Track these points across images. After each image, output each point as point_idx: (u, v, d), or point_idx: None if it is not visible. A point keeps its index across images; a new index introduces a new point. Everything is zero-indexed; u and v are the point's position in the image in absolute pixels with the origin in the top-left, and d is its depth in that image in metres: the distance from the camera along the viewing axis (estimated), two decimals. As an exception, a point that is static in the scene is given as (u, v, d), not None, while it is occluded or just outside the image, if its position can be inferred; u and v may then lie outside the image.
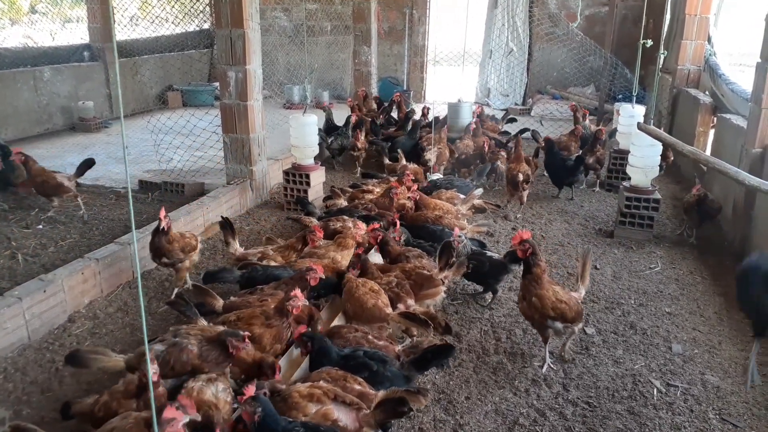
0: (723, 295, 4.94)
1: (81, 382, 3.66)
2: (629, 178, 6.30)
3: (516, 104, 13.78)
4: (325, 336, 3.43)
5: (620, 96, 11.37)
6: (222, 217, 4.96)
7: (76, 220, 6.28)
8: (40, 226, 6.10)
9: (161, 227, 4.48)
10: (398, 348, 3.41)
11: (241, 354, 3.05)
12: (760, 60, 5.50)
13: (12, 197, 6.77)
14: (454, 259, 4.07)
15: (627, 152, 7.38)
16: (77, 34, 12.95)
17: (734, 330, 4.43)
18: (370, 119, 9.14)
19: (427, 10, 14.44)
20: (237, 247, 4.69)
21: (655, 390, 3.71)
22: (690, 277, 5.27)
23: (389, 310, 3.70)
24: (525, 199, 6.67)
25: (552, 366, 3.89)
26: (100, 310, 4.53)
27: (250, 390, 2.50)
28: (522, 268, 3.91)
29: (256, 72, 6.54)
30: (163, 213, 4.51)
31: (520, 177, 6.45)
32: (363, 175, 7.20)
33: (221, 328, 3.23)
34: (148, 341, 3.33)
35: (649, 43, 7.47)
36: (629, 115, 7.45)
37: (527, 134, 8.37)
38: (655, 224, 6.07)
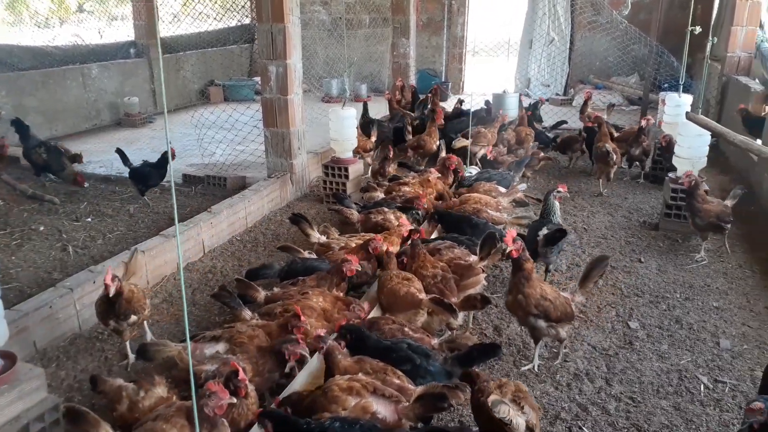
0: (775, 290, 4.77)
1: (132, 369, 3.78)
2: (675, 169, 6.13)
3: (557, 94, 13.54)
4: (364, 327, 3.46)
5: (666, 85, 11.04)
6: (293, 213, 5.04)
7: (122, 213, 6.47)
8: (89, 219, 6.30)
9: (108, 294, 3.50)
10: (434, 341, 3.41)
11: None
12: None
13: (63, 192, 7.01)
14: (495, 249, 4.04)
15: (673, 143, 7.22)
16: (123, 31, 13.26)
17: (787, 326, 4.28)
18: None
19: (467, 1, 14.28)
20: (319, 236, 4.78)
21: (702, 386, 3.62)
22: (739, 271, 5.11)
23: (422, 295, 3.72)
24: (612, 175, 7.10)
25: (534, 370, 3.76)
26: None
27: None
28: (511, 264, 3.80)
29: (296, 66, 6.60)
30: (109, 277, 3.48)
31: (608, 148, 6.87)
32: (399, 164, 7.19)
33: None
34: (200, 333, 3.44)
35: (698, 29, 7.24)
36: (676, 104, 7.24)
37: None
38: (702, 216, 5.88)
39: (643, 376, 3.72)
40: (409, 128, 8.16)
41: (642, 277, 5.00)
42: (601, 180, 7.19)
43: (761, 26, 9.41)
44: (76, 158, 7.34)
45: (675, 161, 6.00)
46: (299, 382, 3.11)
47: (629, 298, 4.68)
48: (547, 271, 4.85)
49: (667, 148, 6.90)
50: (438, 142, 7.45)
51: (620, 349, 4.01)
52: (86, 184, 7.08)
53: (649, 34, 11.51)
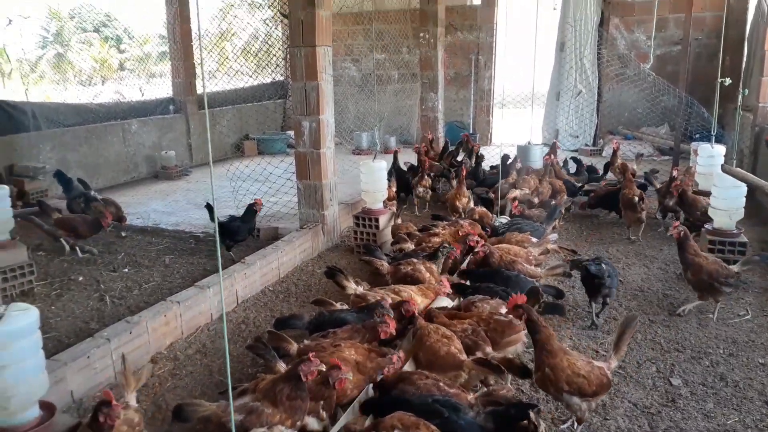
0: (823, 346, 4.59)
1: (164, 421, 3.77)
2: (711, 221, 6.04)
3: (586, 145, 13.57)
4: (395, 381, 3.42)
5: (697, 135, 10.97)
6: (327, 266, 5.08)
7: (158, 264, 6.59)
8: (126, 270, 6.43)
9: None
10: (470, 396, 3.34)
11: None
12: None
13: (101, 242, 7.19)
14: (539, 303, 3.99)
15: (707, 193, 7.13)
16: (163, 89, 13.81)
17: (839, 384, 4.09)
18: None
19: (493, 56, 14.58)
20: (355, 287, 4.80)
21: (751, 448, 3.46)
22: (784, 326, 4.94)
23: (464, 356, 3.64)
24: (644, 218, 7.05)
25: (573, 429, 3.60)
26: (180, 351, 4.69)
27: None
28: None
29: (328, 121, 6.77)
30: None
31: (636, 198, 6.89)
32: (433, 217, 7.24)
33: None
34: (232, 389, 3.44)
35: (728, 81, 7.26)
36: (709, 155, 7.21)
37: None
38: (742, 269, 5.73)
39: (688, 436, 3.57)
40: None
41: (682, 332, 4.86)
42: (631, 228, 7.20)
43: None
44: (120, 219, 7.49)
45: (711, 213, 5.92)
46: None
47: (669, 353, 4.54)
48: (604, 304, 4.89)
49: (681, 199, 6.85)
50: (466, 200, 7.47)
51: (663, 407, 3.87)
52: (108, 227, 7.16)
53: (678, 86, 11.55)
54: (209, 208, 7.00)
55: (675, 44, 13.01)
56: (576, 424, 3.56)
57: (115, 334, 4.27)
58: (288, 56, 6.96)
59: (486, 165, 9.94)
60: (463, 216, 7.03)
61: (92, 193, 7.89)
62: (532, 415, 2.99)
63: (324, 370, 3.13)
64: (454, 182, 7.83)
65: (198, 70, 12.81)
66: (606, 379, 3.48)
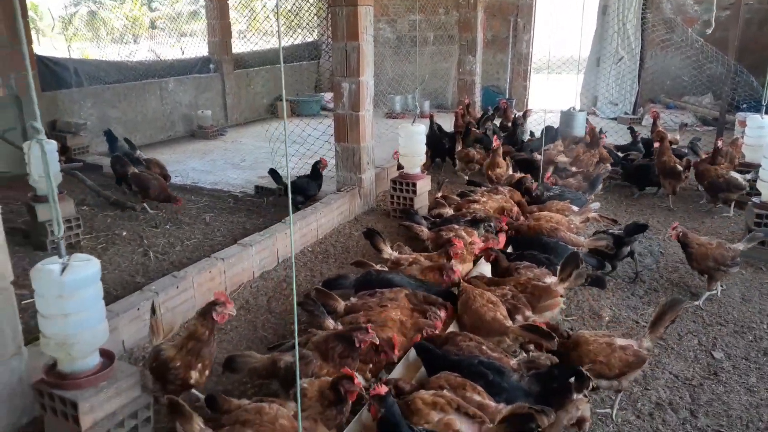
0: None
1: (213, 373, 3.89)
2: (758, 193, 5.89)
3: (626, 113, 13.25)
4: (441, 342, 3.47)
5: (744, 105, 10.61)
6: (367, 228, 5.13)
7: (199, 222, 6.70)
8: (168, 226, 6.56)
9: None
10: (513, 361, 3.37)
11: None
12: None
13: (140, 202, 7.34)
14: (578, 271, 3.97)
15: (755, 165, 6.94)
16: (197, 47, 13.81)
17: None
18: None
19: (532, 18, 14.20)
20: (391, 252, 4.85)
21: (795, 423, 3.44)
22: (832, 303, 4.84)
23: (509, 322, 3.67)
24: (677, 188, 7.13)
25: (613, 419, 3.49)
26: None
27: (381, 389, 2.58)
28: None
29: (368, 83, 6.72)
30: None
31: (678, 166, 6.91)
32: (469, 182, 7.19)
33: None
34: (278, 346, 3.54)
35: (784, 49, 6.98)
36: (758, 125, 6.98)
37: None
38: (788, 244, 5.62)
39: (731, 409, 3.56)
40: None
41: (725, 306, 4.81)
42: (670, 196, 7.19)
43: None
44: (165, 177, 7.51)
45: (760, 185, 5.76)
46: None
47: (712, 326, 4.50)
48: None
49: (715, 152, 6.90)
50: (502, 169, 7.26)
51: (704, 379, 3.86)
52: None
53: (726, 53, 11.14)
54: (273, 172, 7.18)
55: (724, 9, 12.48)
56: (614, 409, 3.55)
57: (163, 287, 4.39)
58: (330, 16, 6.82)
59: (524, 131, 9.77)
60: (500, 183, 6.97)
61: (138, 153, 7.99)
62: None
63: (377, 343, 3.18)
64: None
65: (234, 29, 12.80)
66: (631, 359, 3.39)
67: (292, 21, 15.38)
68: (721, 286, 5.08)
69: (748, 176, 6.71)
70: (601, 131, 8.27)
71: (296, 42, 15.65)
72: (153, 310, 3.54)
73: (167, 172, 7.78)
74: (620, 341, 3.49)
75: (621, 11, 13.18)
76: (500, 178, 7.05)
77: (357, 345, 3.09)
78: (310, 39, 16.18)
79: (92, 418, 2.82)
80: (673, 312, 3.53)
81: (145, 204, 6.94)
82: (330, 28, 6.86)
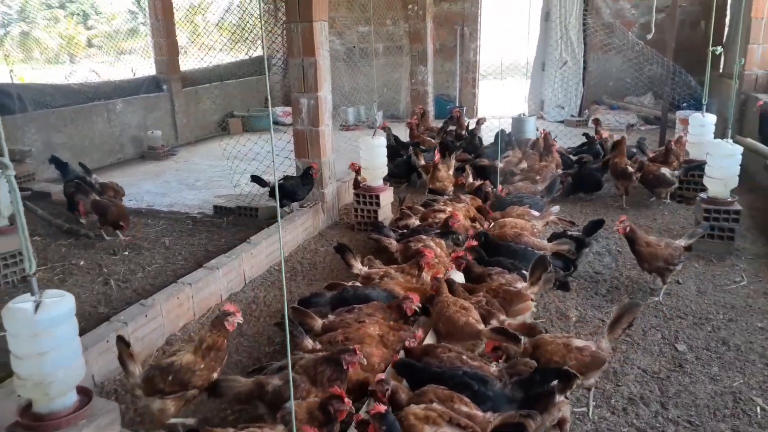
0: (817, 309, 4.78)
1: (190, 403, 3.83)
2: (705, 189, 6.19)
3: (572, 116, 13.67)
4: (420, 354, 3.51)
5: (684, 104, 11.11)
6: (338, 242, 5.13)
7: (158, 246, 6.56)
8: (126, 253, 6.40)
9: None
10: (493, 368, 3.44)
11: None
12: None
13: (97, 226, 7.12)
14: (546, 275, 4.09)
15: (699, 162, 7.28)
16: (144, 66, 13.52)
17: (834, 345, 4.29)
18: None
19: (478, 26, 14.53)
20: (361, 267, 4.86)
21: (758, 408, 3.62)
22: (779, 291, 5.13)
23: (481, 326, 3.75)
24: (629, 188, 7.42)
25: (589, 417, 3.60)
26: (193, 332, 4.72)
27: (380, 407, 2.61)
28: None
29: (326, 98, 6.75)
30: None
31: (629, 168, 7.20)
32: (430, 191, 7.28)
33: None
34: (258, 370, 3.52)
35: (719, 50, 7.35)
36: (700, 124, 7.32)
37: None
38: (735, 236, 5.91)
39: (698, 399, 3.73)
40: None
41: (683, 299, 5.03)
42: (623, 196, 7.47)
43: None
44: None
45: (706, 181, 6.05)
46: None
47: (672, 320, 4.70)
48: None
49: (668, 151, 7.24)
50: (441, 183, 7.27)
51: (671, 372, 4.02)
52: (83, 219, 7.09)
53: (664, 54, 11.64)
54: (256, 178, 7.07)
55: (659, 12, 13.04)
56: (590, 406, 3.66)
57: (132, 317, 4.29)
58: (285, 32, 6.83)
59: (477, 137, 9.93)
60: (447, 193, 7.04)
61: (93, 177, 7.73)
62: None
63: (365, 363, 3.20)
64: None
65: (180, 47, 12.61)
66: (588, 359, 3.46)
67: (238, 35, 15.27)
68: (679, 281, 5.32)
69: (677, 172, 7.20)
70: (550, 135, 8.49)
71: (244, 57, 15.56)
72: (126, 342, 3.44)
73: (123, 195, 7.59)
74: (578, 342, 3.57)
75: (563, 17, 13.63)
76: (443, 190, 7.14)
77: (345, 367, 3.10)
78: (257, 53, 16.12)
79: (73, 458, 2.73)
80: (630, 315, 3.63)
81: (102, 231, 6.76)
82: (285, 44, 6.86)
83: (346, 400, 2.84)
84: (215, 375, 3.40)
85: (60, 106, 10.15)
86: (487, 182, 6.84)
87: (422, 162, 7.91)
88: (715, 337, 4.43)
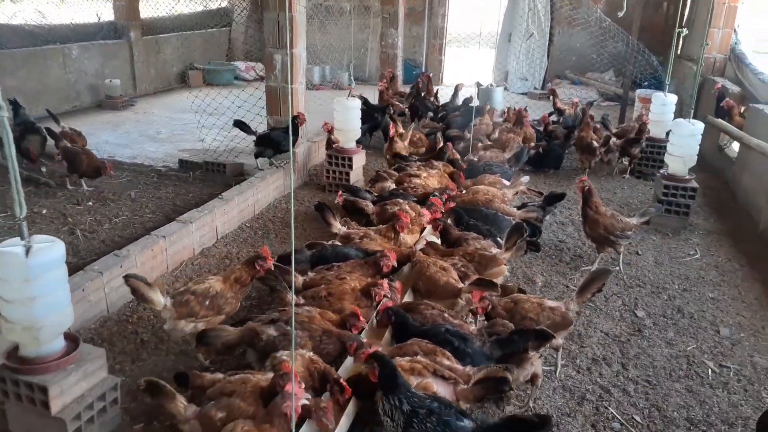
0: (762, 282, 5.14)
1: (169, 352, 3.85)
2: (664, 166, 6.46)
3: (535, 88, 13.88)
4: (405, 310, 3.63)
5: (645, 83, 11.43)
6: (318, 202, 5.15)
7: (124, 198, 6.43)
8: (91, 203, 6.25)
9: None
10: (472, 327, 3.59)
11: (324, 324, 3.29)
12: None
13: (57, 174, 6.89)
14: (521, 240, 4.25)
15: (658, 140, 7.57)
16: (95, 8, 12.89)
17: (776, 315, 4.64)
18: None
19: (448, -8, 14.46)
20: (340, 227, 4.90)
21: (709, 370, 3.91)
22: (729, 264, 5.46)
23: (461, 285, 3.89)
24: (593, 163, 7.67)
25: (556, 375, 3.78)
26: (168, 285, 4.70)
27: (374, 348, 2.75)
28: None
29: (302, 55, 6.66)
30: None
31: (594, 143, 7.44)
32: (399, 157, 7.32)
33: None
34: (254, 316, 3.57)
35: (685, 31, 7.58)
36: (662, 103, 7.58)
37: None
38: (690, 212, 6.22)
39: (655, 361, 3.99)
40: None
41: (641, 269, 5.30)
42: (586, 170, 7.70)
43: (735, 30, 9.87)
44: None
45: (667, 159, 6.32)
46: (348, 365, 3.26)
47: (632, 288, 4.97)
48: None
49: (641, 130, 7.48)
50: (405, 147, 7.36)
51: (631, 336, 4.28)
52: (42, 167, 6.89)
53: (629, 32, 11.89)
54: (239, 123, 6.90)
55: (625, -9, 13.28)
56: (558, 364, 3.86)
57: (106, 267, 4.24)
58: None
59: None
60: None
61: (62, 125, 7.38)
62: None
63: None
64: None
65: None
66: (559, 319, 3.65)
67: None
68: (638, 252, 5.60)
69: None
70: (525, 110, 8.64)
71: (205, 8, 15.07)
72: (140, 277, 3.51)
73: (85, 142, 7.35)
74: (550, 303, 3.78)
75: (532, -13, 13.69)
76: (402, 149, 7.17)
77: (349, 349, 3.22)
78: (220, 5, 15.62)
79: (62, 401, 2.74)
80: (600, 280, 3.81)
81: (67, 180, 6.57)
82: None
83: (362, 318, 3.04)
84: (237, 307, 3.73)
85: (12, 48, 9.64)
86: (449, 144, 6.94)
87: (400, 129, 7.91)
88: (671, 305, 4.72)
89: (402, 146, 7.33)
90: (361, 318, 3.24)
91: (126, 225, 5.76)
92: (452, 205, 5.06)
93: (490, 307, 3.60)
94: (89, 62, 11.05)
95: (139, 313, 4.30)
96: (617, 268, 5.28)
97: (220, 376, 2.97)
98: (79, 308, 3.93)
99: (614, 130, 7.93)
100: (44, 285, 2.61)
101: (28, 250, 2.58)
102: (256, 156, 6.75)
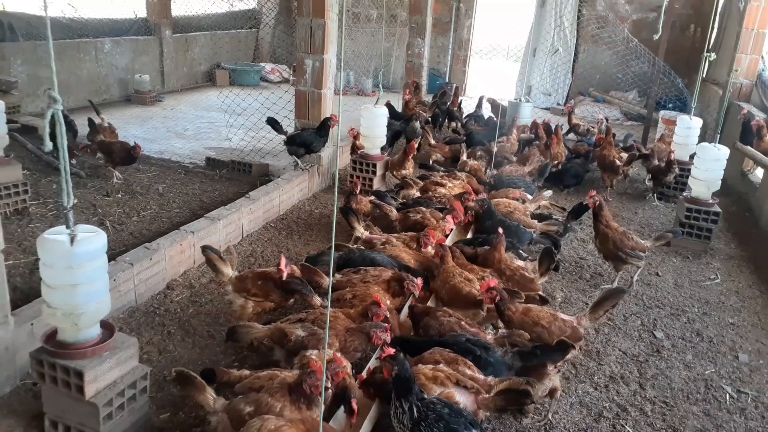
0: (782, 310, 5.13)
1: (195, 345, 3.93)
2: (687, 189, 6.47)
3: (558, 104, 13.90)
4: (421, 314, 3.69)
5: (670, 105, 11.42)
6: (344, 204, 5.23)
7: (152, 192, 6.56)
8: (119, 195, 6.38)
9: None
10: (489, 336, 3.64)
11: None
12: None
13: (87, 166, 7.04)
14: (554, 264, 4.30)
15: (682, 163, 7.56)
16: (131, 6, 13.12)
17: (795, 344, 4.63)
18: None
19: (474, 4, 14.55)
20: (363, 231, 5.00)
21: (727, 395, 3.92)
22: (749, 291, 5.46)
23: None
24: (615, 182, 7.61)
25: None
26: (194, 280, 4.80)
27: (390, 350, 2.79)
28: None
29: (332, 61, 6.76)
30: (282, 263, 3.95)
31: (617, 161, 7.41)
32: (421, 166, 7.41)
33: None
34: (283, 318, 3.66)
35: (713, 56, 7.58)
36: (686, 126, 7.59)
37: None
38: (712, 236, 6.22)
39: (673, 382, 4.01)
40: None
41: (661, 290, 5.31)
42: (608, 189, 7.66)
43: (762, 57, 9.84)
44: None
45: (691, 182, 6.32)
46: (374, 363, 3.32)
47: (651, 309, 4.98)
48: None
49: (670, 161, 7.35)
50: (407, 171, 6.92)
51: (649, 356, 4.30)
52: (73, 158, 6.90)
53: (655, 53, 11.88)
54: (272, 121, 6.97)
55: (651, 11, 13.30)
56: None
57: (137, 259, 4.34)
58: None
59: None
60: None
61: (101, 117, 7.51)
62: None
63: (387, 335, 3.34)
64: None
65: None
66: (569, 332, 3.67)
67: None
68: (658, 274, 5.62)
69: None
70: (561, 127, 8.62)
71: (235, 9, 15.27)
72: (215, 249, 4.01)
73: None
74: (563, 316, 3.83)
75: (559, 4, 13.75)
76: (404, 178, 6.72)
77: (373, 341, 3.27)
78: (248, 6, 15.83)
79: (95, 387, 2.82)
80: (614, 299, 3.84)
81: (116, 171, 6.75)
82: (294, 3, 6.81)
83: (383, 306, 3.11)
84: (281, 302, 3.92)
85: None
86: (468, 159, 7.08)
87: (432, 141, 8.00)
88: (690, 328, 4.73)
89: (411, 171, 6.94)
90: (383, 305, 3.29)
91: (153, 218, 5.88)
92: (474, 206, 5.09)
93: (498, 297, 3.63)
94: (120, 57, 11.27)
95: (166, 305, 4.40)
96: (631, 287, 5.28)
97: (246, 372, 3.04)
98: (110, 297, 4.03)
99: (645, 151, 7.94)
100: (86, 273, 2.70)
101: (72, 239, 2.67)
102: (290, 153, 6.83)
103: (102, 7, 13.42)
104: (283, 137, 6.83)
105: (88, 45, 10.63)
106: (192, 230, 4.94)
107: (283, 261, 3.85)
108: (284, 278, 3.79)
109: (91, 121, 7.10)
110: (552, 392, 3.43)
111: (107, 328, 3.00)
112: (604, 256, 5.39)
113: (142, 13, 12.39)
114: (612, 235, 5.19)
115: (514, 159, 7.89)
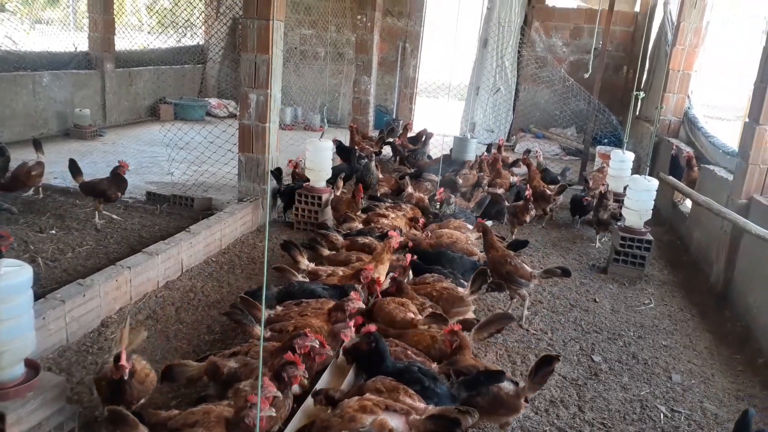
0: (711, 332, 5.36)
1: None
2: (621, 219, 6.73)
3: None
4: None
5: (605, 140, 11.95)
6: (284, 240, 5.14)
7: (88, 227, 6.36)
8: (53, 231, 6.16)
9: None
10: (434, 365, 3.66)
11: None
12: (747, 120, 6.02)
13: (20, 201, 6.80)
14: (486, 284, 4.38)
15: (616, 194, 7.87)
16: (67, 39, 12.87)
17: (724, 364, 4.83)
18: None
19: (419, 44, 14.96)
20: (308, 263, 4.95)
21: (661, 415, 4.04)
22: (681, 314, 5.68)
23: (418, 317, 4.08)
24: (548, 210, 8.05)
25: None
26: (130, 316, 4.65)
27: (371, 327, 3.12)
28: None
29: (276, 96, 6.80)
30: (123, 358, 2.96)
31: (547, 191, 7.85)
32: (370, 197, 7.47)
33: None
34: (216, 352, 3.56)
35: (642, 94, 8.03)
36: (620, 159, 7.95)
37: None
38: (645, 263, 6.47)
39: (611, 404, 4.11)
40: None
41: (598, 316, 5.47)
42: (545, 217, 8.12)
43: (689, 96, 10.46)
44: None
45: (624, 212, 6.58)
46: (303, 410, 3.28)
47: (590, 334, 5.12)
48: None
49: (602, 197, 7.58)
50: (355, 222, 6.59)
51: (588, 379, 4.39)
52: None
53: (590, 92, 12.46)
54: (276, 172, 7.03)
55: (587, 52, 13.98)
56: None
57: (69, 296, 4.18)
58: (241, 26, 6.84)
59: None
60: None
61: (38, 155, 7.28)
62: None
63: (317, 345, 3.30)
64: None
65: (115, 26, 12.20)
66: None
67: (168, 20, 14.80)
68: (596, 300, 5.79)
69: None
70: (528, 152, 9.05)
71: (180, 44, 15.21)
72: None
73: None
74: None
75: (500, 45, 14.29)
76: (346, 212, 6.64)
77: (298, 351, 3.20)
78: (194, 42, 15.80)
79: (18, 429, 2.68)
80: (498, 324, 4.05)
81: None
82: (225, 37, 6.86)
83: (301, 366, 3.00)
84: None
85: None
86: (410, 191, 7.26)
87: (380, 175, 8.12)
88: (626, 351, 4.87)
89: (355, 216, 6.55)
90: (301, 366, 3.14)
91: (90, 255, 5.69)
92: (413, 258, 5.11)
93: (457, 343, 3.68)
94: (60, 90, 11.01)
95: (100, 343, 4.23)
96: (520, 320, 5.16)
97: (175, 412, 2.93)
98: (38, 336, 3.84)
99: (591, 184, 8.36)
100: (10, 309, 2.60)
101: (-4, 273, 2.57)
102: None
103: (41, 40, 13.23)
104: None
105: (25, 78, 10.35)
106: (128, 265, 4.80)
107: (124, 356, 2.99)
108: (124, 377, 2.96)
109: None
110: (504, 425, 3.48)
111: (32, 366, 2.87)
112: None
113: (85, 47, 12.20)
114: (492, 256, 5.25)
115: (463, 190, 8.08)
